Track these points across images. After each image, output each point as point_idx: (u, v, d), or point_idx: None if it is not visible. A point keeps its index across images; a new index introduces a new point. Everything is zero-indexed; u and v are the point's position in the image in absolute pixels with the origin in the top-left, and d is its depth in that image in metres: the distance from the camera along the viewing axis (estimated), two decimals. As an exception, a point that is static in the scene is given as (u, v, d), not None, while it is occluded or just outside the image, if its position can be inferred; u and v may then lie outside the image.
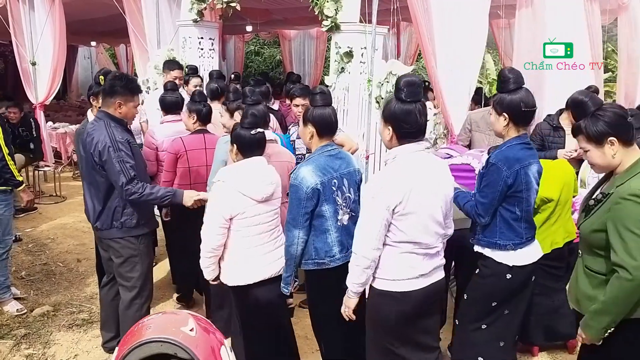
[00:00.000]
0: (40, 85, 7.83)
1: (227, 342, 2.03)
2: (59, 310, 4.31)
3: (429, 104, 4.83)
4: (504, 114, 2.65)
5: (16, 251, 5.53)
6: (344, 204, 2.68)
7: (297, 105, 4.24)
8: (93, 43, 15.06)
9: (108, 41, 15.13)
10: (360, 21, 4.26)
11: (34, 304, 4.40)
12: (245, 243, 2.88)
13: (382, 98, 4.32)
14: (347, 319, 2.60)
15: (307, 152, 3.98)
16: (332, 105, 2.86)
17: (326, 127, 2.74)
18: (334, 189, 2.66)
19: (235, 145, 2.94)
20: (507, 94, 2.65)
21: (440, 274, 2.57)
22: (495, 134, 2.82)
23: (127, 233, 3.29)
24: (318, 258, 2.70)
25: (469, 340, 2.86)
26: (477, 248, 2.80)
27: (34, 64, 7.73)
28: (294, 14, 8.59)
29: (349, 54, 4.26)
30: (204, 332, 1.95)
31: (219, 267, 2.99)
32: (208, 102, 4.15)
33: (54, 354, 3.70)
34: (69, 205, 7.30)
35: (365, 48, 4.25)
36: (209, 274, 2.99)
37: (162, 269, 4.95)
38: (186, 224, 3.76)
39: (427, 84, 6.28)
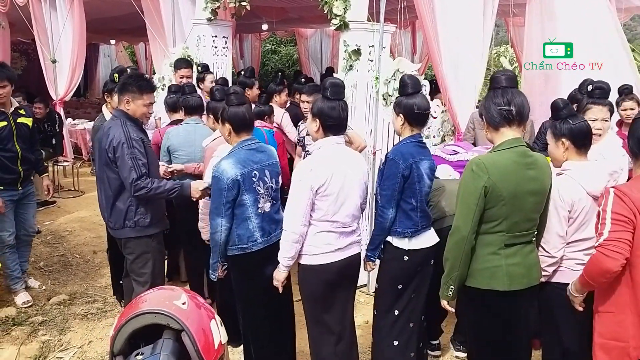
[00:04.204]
0: (60, 81, 8.02)
1: (217, 316, 2.16)
2: (75, 299, 4.47)
3: (436, 101, 4.89)
4: (401, 114, 2.97)
5: (35, 243, 5.69)
6: (265, 193, 2.96)
7: (304, 102, 4.66)
8: (112, 41, 15.29)
9: (127, 39, 15.35)
10: (368, 19, 4.32)
11: (51, 293, 4.57)
12: None
13: (390, 95, 4.36)
14: (279, 290, 2.91)
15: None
16: (248, 103, 3.08)
17: (241, 124, 2.99)
18: (255, 179, 2.92)
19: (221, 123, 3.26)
20: (404, 97, 2.97)
21: (356, 249, 2.94)
22: (396, 132, 3.14)
23: (140, 232, 3.37)
24: (241, 244, 2.95)
25: (387, 327, 3.10)
26: None
27: (54, 61, 7.91)
28: (310, 12, 8.61)
29: (357, 52, 4.31)
30: (196, 306, 2.09)
31: None
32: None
33: (69, 340, 3.85)
34: (87, 200, 7.50)
35: (373, 46, 4.30)
36: (204, 234, 3.51)
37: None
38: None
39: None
